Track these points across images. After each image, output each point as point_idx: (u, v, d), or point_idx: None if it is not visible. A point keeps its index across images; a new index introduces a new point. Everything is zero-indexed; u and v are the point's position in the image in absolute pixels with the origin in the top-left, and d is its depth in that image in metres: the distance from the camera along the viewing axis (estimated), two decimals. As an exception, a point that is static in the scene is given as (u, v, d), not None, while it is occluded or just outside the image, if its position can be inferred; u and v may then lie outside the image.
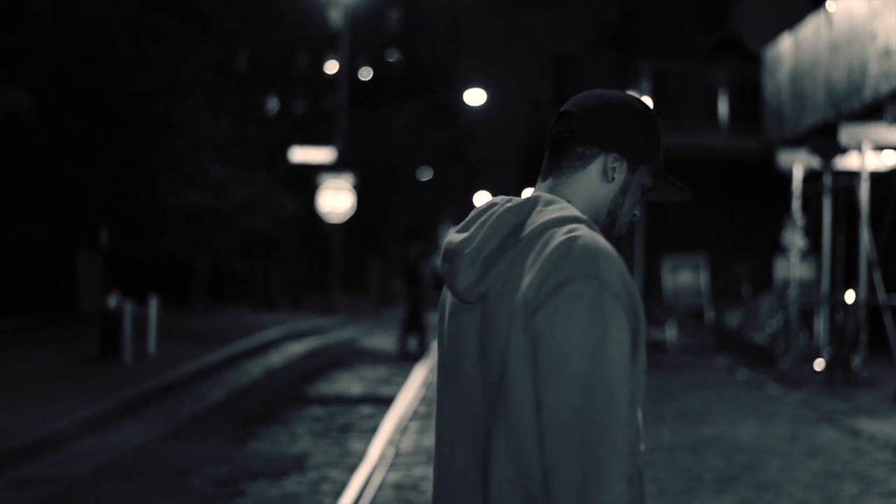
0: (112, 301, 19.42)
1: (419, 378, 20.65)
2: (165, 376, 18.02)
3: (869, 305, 20.71)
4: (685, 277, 28.76)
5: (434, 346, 28.38)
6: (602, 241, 2.70)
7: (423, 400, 17.70)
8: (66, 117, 26.50)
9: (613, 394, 2.59)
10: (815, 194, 24.13)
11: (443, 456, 2.87)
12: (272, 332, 28.75)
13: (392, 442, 13.51)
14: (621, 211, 2.92)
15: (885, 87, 17.77)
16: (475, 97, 53.11)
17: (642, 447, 2.77)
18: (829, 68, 20.51)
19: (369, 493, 10.57)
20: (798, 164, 23.71)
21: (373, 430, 14.47)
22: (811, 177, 24.59)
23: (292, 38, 46.65)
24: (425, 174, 70.75)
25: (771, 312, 24.28)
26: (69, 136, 26.83)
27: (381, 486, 10.94)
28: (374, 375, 21.44)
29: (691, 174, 33.11)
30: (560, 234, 2.69)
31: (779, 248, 25.06)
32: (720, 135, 33.41)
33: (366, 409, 16.58)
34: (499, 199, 2.88)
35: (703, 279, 28.96)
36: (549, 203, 2.79)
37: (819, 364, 20.79)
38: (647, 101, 36.59)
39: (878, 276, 20.08)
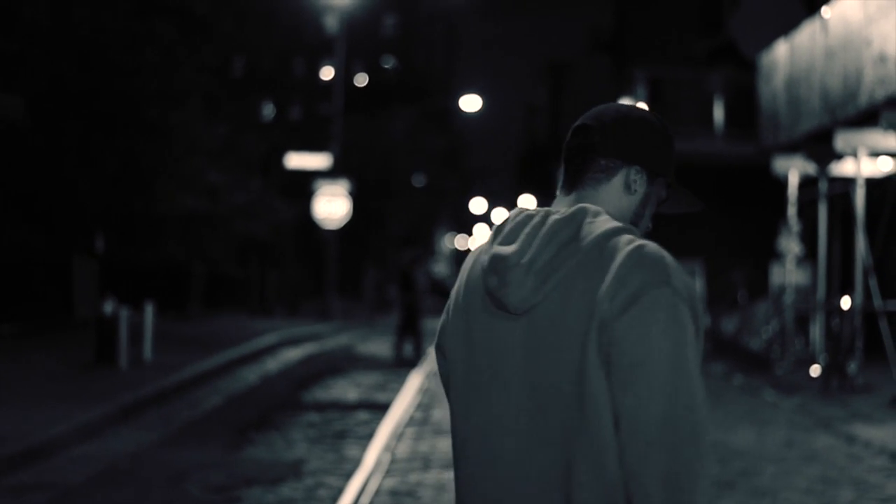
0: (108, 307, 19.40)
1: (415, 384, 20.64)
2: (161, 382, 18.00)
3: (865, 311, 20.74)
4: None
5: (430, 353, 28.38)
6: (662, 249, 2.77)
7: (419, 406, 17.69)
8: (62, 122, 26.49)
9: (695, 398, 2.67)
10: (810, 200, 24.16)
11: (475, 464, 2.86)
12: (268, 338, 28.74)
13: (388, 448, 13.50)
14: (641, 222, 2.97)
15: (880, 94, 17.79)
16: (471, 103, 53.11)
17: None
18: (824, 75, 20.53)
19: (365, 500, 10.56)
20: (794, 170, 23.74)
21: (369, 437, 14.47)
22: (807, 183, 24.62)
23: (288, 43, 46.68)
24: (421, 180, 70.77)
25: (767, 318, 24.30)
26: (65, 142, 26.82)
27: (378, 493, 10.93)
28: (370, 381, 21.44)
29: (687, 181, 33.10)
30: (624, 244, 2.74)
31: (775, 255, 25.08)
32: (716, 141, 33.43)
33: (362, 416, 16.58)
34: (531, 210, 2.90)
35: (699, 285, 28.97)
36: (596, 214, 2.83)
37: (815, 370, 20.80)
38: (644, 107, 36.80)
39: (873, 283, 20.10)
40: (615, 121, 2.95)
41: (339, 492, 10.95)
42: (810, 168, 22.75)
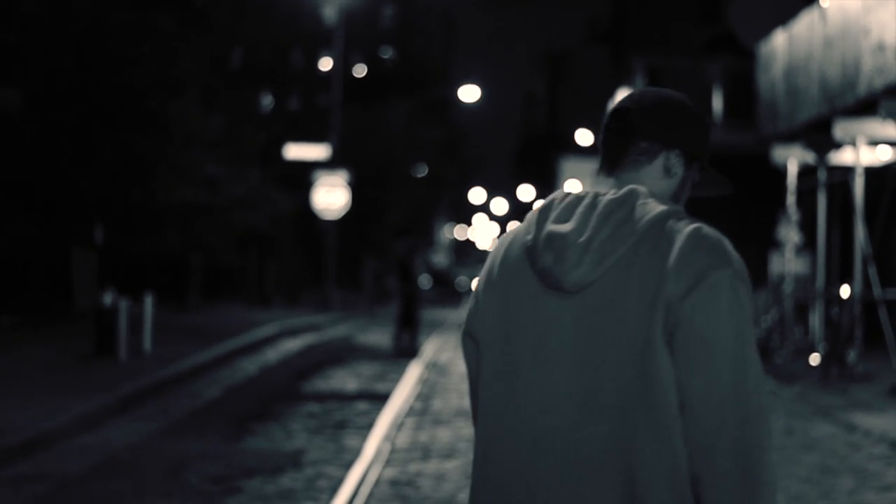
0: (107, 298, 19.39)
1: (414, 374, 20.65)
2: (161, 373, 18.01)
3: (864, 300, 20.74)
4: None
5: (428, 343, 28.38)
6: (717, 231, 2.88)
7: (419, 396, 17.70)
8: (59, 114, 26.47)
9: (759, 374, 2.79)
10: (809, 189, 24.16)
11: (519, 442, 2.87)
12: (267, 329, 28.74)
13: (388, 438, 13.51)
14: (678, 205, 3.03)
15: (878, 83, 17.78)
16: (469, 93, 53.10)
17: None
18: (822, 64, 20.52)
19: (365, 490, 10.56)
20: (793, 159, 23.74)
21: (368, 427, 14.47)
22: (806, 172, 24.61)
23: (286, 34, 46.63)
24: (419, 171, 70.73)
25: (766, 307, 24.30)
26: (63, 133, 26.79)
27: (377, 483, 10.94)
28: (370, 372, 21.44)
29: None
30: (683, 227, 2.84)
31: (774, 244, 25.07)
32: (714, 130, 33.39)
33: (361, 406, 16.58)
34: (578, 192, 2.97)
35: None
36: (647, 196, 2.90)
37: (814, 359, 20.81)
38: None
39: (872, 271, 20.10)
40: (656, 105, 3.02)
41: (339, 482, 10.95)
42: (809, 157, 22.75)
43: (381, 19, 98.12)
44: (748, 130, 29.11)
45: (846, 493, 10.77)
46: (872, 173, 22.46)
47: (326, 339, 29.61)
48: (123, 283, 27.08)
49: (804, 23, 21.76)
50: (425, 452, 12.70)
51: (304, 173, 45.45)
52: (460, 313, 52.54)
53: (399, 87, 72.58)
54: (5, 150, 25.50)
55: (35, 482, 10.73)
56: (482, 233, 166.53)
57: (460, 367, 22.74)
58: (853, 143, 20.22)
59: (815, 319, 22.83)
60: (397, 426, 14.52)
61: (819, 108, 20.68)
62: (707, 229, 2.84)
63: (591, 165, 59.87)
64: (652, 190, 2.97)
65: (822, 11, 20.62)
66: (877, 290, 20.15)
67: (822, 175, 22.30)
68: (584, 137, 64.75)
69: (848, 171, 22.17)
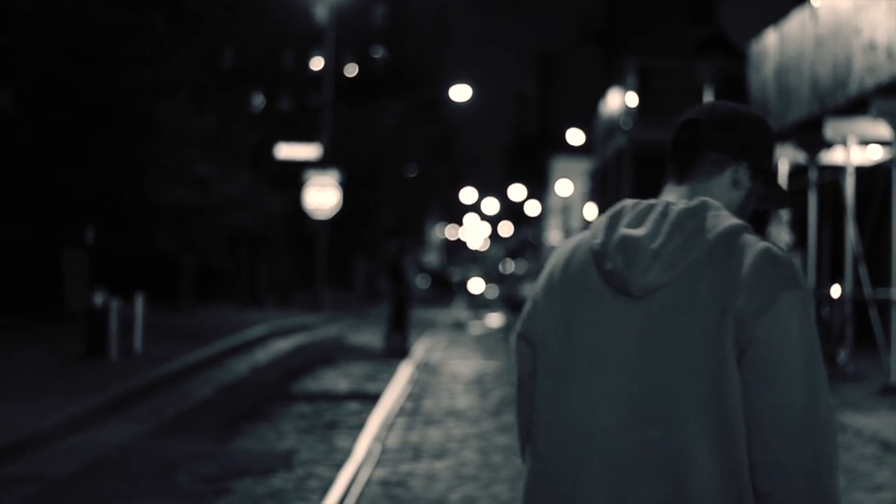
0: (98, 299, 19.38)
1: (405, 374, 20.65)
2: (152, 374, 17.99)
3: (855, 300, 20.75)
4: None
5: (418, 343, 28.39)
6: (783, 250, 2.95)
7: (410, 396, 17.70)
8: (50, 114, 26.43)
9: (828, 394, 2.86)
10: (800, 189, 24.17)
11: (577, 442, 2.92)
12: (258, 330, 28.73)
13: (378, 438, 13.51)
14: (742, 217, 3.09)
15: (869, 82, 17.80)
16: (460, 93, 53.10)
17: None
18: (814, 63, 20.53)
19: (356, 490, 10.56)
20: (783, 158, 23.74)
21: (359, 427, 14.46)
22: (797, 171, 24.62)
23: (277, 34, 46.52)
24: (411, 170, 70.72)
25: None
26: (54, 134, 26.75)
27: (368, 483, 10.93)
28: (361, 372, 21.43)
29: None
30: (752, 243, 2.90)
31: (765, 243, 25.04)
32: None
33: (352, 406, 16.57)
34: (649, 200, 3.02)
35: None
36: (718, 209, 2.96)
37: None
38: (633, 97, 36.48)
39: (863, 271, 20.11)
40: (728, 119, 3.09)
41: (329, 482, 10.95)
42: (800, 157, 22.76)
43: (372, 19, 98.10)
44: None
45: (837, 493, 10.76)
46: (863, 173, 22.47)
47: (317, 340, 29.60)
48: (114, 283, 27.04)
49: (795, 22, 21.77)
50: (416, 453, 12.70)
51: (296, 173, 45.42)
52: (452, 313, 52.56)
53: (390, 86, 72.65)
54: (-4, 151, 25.48)
55: (25, 483, 10.72)
56: (473, 232, 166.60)
57: (451, 367, 22.75)
58: (844, 143, 20.23)
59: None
60: (388, 426, 14.52)
61: (810, 107, 20.69)
62: (777, 249, 2.91)
63: (582, 165, 59.99)
64: (720, 201, 3.03)
65: (814, 11, 20.64)
66: (867, 290, 20.17)
67: (812, 174, 22.31)
68: (575, 137, 64.80)
69: (839, 170, 22.18)
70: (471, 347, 28.72)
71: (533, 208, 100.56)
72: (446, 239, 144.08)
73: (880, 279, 22.36)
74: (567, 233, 67.19)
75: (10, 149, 25.88)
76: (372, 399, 17.23)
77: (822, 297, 21.06)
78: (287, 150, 45.85)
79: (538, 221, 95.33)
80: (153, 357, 20.16)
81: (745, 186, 3.07)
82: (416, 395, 17.97)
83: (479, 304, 69.97)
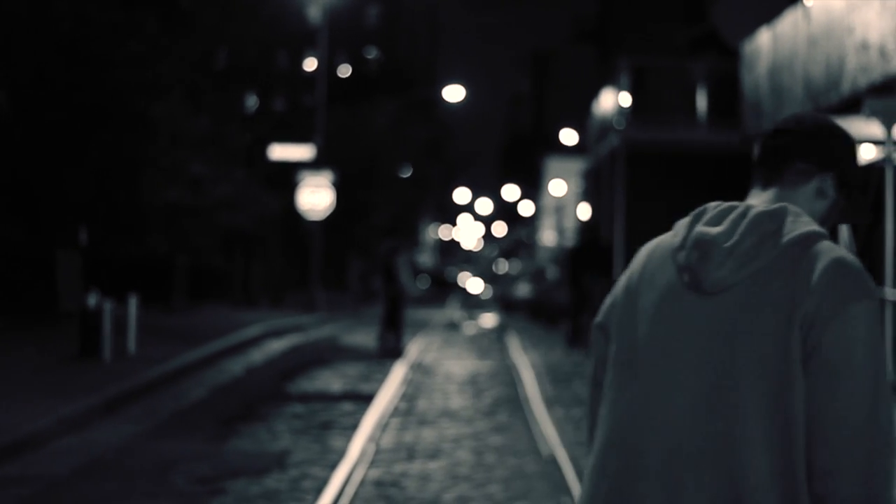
0: (92, 300, 19.36)
1: (399, 375, 20.65)
2: (146, 374, 17.98)
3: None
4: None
5: (412, 344, 28.39)
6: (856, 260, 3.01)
7: (404, 397, 17.71)
8: (45, 114, 26.41)
9: (891, 405, 2.89)
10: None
11: (642, 429, 2.98)
12: (253, 330, 28.72)
13: (373, 439, 13.52)
14: (824, 227, 3.14)
15: (862, 81, 17.82)
16: (454, 93, 53.13)
17: None
18: (806, 62, 20.56)
19: (350, 490, 10.57)
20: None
21: (353, 427, 14.47)
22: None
23: (271, 34, 46.50)
24: (404, 170, 70.71)
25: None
26: (48, 134, 26.74)
27: (362, 483, 10.94)
28: (355, 372, 21.43)
29: (670, 169, 33.13)
30: (826, 251, 2.96)
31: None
32: (699, 129, 33.45)
33: (346, 406, 16.58)
34: (732, 202, 3.11)
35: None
36: (798, 214, 3.02)
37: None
38: (627, 97, 36.51)
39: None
40: (816, 130, 3.17)
41: (323, 483, 10.96)
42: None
43: (365, 19, 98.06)
44: (733, 129, 29.15)
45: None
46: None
47: (312, 340, 29.59)
48: (108, 284, 27.00)
49: (788, 21, 21.80)
50: (410, 453, 12.72)
51: (290, 174, 45.36)
52: (446, 313, 52.57)
53: (384, 86, 72.61)
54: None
55: (21, 484, 10.72)
56: (467, 233, 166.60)
57: (445, 367, 22.76)
58: (837, 142, 20.24)
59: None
60: (382, 427, 14.52)
61: (803, 106, 20.71)
62: (850, 258, 2.96)
63: (577, 165, 59.94)
64: (803, 210, 3.08)
65: (807, 10, 20.66)
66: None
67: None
68: (568, 137, 64.82)
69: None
70: (465, 348, 28.73)
71: (527, 208, 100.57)
72: (440, 239, 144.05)
73: (874, 277, 22.38)
74: (561, 233, 67.16)
75: (4, 149, 25.86)
76: (366, 399, 17.23)
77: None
78: (281, 151, 45.80)
79: (532, 221, 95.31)
80: (147, 357, 20.15)
81: (829, 197, 3.14)
82: (410, 395, 17.98)
83: (473, 305, 69.99)
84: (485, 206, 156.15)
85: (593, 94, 47.80)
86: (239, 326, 29.48)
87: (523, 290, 56.65)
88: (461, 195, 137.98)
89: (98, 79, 26.88)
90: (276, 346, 27.24)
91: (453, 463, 12.17)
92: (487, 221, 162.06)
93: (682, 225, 3.10)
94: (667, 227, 3.23)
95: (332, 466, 11.79)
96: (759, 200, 3.12)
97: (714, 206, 3.09)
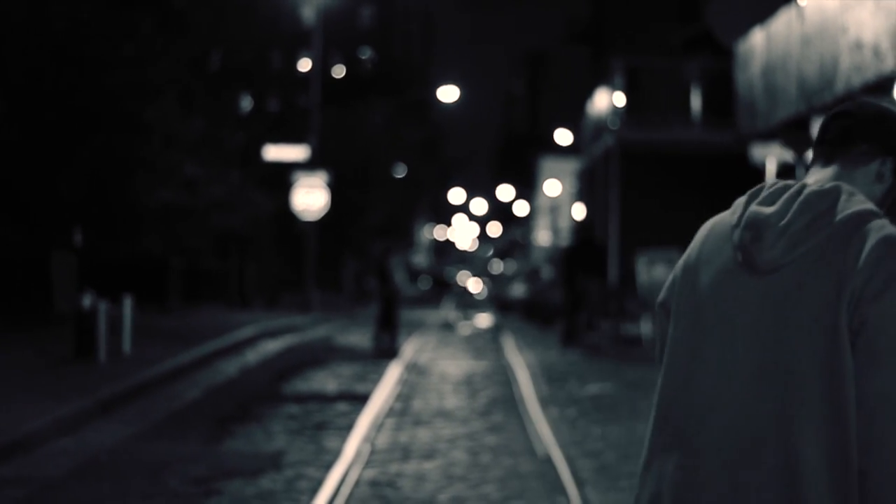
0: (86, 301, 19.34)
1: (394, 375, 20.65)
2: (140, 376, 17.97)
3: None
4: (660, 272, 28.82)
5: (407, 344, 28.40)
6: None
7: (399, 397, 17.71)
8: (39, 116, 26.40)
9: None
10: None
11: (698, 399, 3.04)
12: (247, 331, 28.70)
13: (368, 439, 13.52)
14: (882, 211, 3.16)
15: (856, 81, 17.83)
16: (448, 94, 53.14)
17: None
18: (800, 62, 20.57)
19: (345, 491, 10.57)
20: (771, 157, 23.80)
21: (348, 428, 14.46)
22: (784, 170, 24.67)
23: (264, 35, 46.49)
24: (399, 171, 70.70)
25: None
26: (43, 135, 26.72)
27: (357, 484, 10.94)
28: (350, 373, 21.43)
29: (664, 168, 33.15)
30: (878, 228, 2.99)
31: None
32: (693, 129, 33.50)
33: (341, 407, 16.57)
34: (787, 181, 3.14)
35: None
36: (851, 193, 3.06)
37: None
38: (621, 97, 36.44)
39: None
40: (878, 114, 3.20)
41: (319, 483, 10.95)
42: (787, 155, 22.81)
43: (359, 20, 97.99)
44: (727, 129, 29.19)
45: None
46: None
47: (306, 341, 29.59)
48: (103, 285, 26.99)
49: (782, 21, 21.81)
50: (405, 453, 12.71)
51: (284, 174, 45.37)
52: (441, 313, 52.57)
53: (378, 87, 72.56)
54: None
55: (15, 486, 10.71)
56: (462, 233, 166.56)
57: (440, 367, 22.77)
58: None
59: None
60: (377, 427, 14.52)
61: (797, 106, 20.73)
62: None
63: (571, 165, 60.00)
64: (861, 191, 3.11)
65: (800, 10, 20.67)
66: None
67: (800, 173, 22.35)
68: (563, 137, 64.82)
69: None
70: (460, 348, 28.73)
71: (521, 208, 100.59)
72: (435, 240, 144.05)
73: None
74: (555, 233, 67.20)
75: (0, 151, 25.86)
76: (361, 400, 17.23)
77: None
78: (275, 152, 45.81)
79: (526, 222, 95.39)
80: (142, 359, 20.13)
81: (888, 180, 3.17)
82: (405, 395, 17.98)
83: (469, 305, 69.99)
84: (479, 206, 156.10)
85: (587, 94, 47.83)
86: (234, 327, 29.46)
87: (518, 290, 56.66)
88: (456, 195, 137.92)
89: (92, 80, 26.88)
90: (271, 346, 27.23)
91: (448, 463, 12.17)
92: (482, 222, 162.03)
93: (739, 203, 3.13)
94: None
95: (328, 467, 11.78)
96: (817, 178, 3.16)
97: (770, 185, 3.12)
